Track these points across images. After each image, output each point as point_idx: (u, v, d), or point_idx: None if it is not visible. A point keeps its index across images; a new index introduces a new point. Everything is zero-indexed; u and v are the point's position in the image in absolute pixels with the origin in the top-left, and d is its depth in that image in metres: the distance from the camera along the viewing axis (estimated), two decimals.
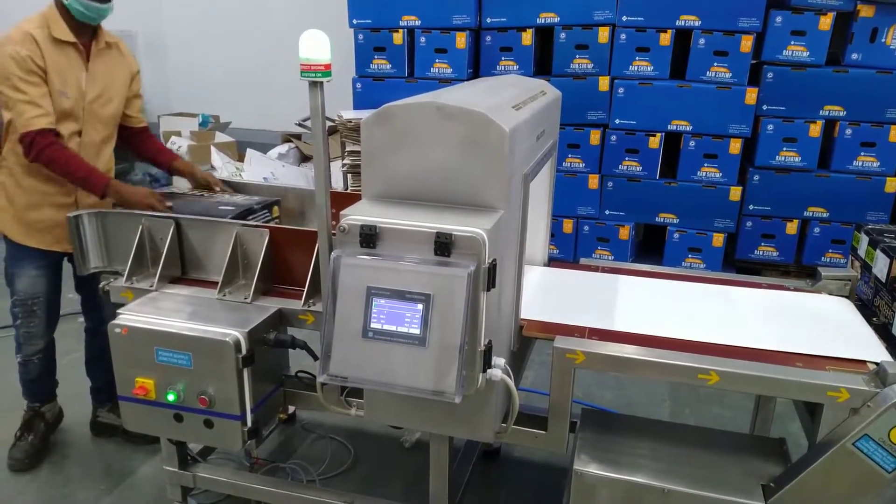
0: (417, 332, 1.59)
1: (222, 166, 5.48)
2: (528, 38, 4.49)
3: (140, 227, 2.34)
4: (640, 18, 4.27)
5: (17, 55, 2.38)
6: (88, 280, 2.77)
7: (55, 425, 2.99)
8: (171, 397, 2.03)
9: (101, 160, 2.69)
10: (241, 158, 5.73)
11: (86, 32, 2.56)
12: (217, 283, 2.24)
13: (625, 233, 4.61)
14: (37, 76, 2.41)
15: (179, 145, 5.98)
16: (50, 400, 2.95)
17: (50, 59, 2.45)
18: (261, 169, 5.32)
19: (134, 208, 2.44)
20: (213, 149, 5.78)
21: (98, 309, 2.85)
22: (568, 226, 4.68)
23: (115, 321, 2.08)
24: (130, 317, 2.09)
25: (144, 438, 2.83)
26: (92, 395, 3.08)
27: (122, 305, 2.83)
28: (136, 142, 2.89)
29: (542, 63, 4.67)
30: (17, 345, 2.77)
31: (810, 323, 2.12)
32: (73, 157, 2.49)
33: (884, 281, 2.92)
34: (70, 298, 2.92)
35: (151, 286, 2.28)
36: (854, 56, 4.13)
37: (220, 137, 6.30)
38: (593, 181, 4.57)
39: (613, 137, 4.48)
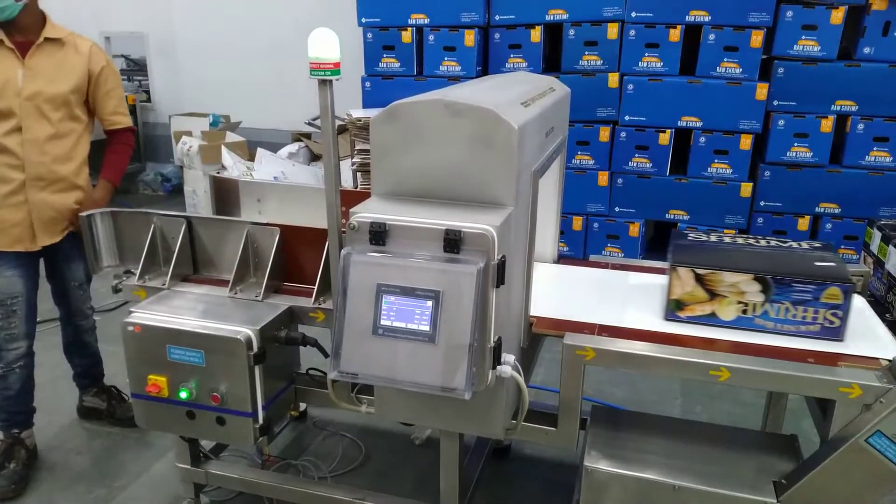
0: (427, 328, 1.60)
1: (233, 165, 5.51)
2: (536, 35, 4.49)
3: (152, 226, 2.36)
4: (649, 14, 4.26)
5: None
6: (58, 270, 2.85)
7: (34, 456, 2.85)
8: (183, 395, 2.05)
9: (51, 156, 2.63)
10: (251, 158, 5.75)
11: (23, 31, 2.56)
12: (228, 281, 2.25)
13: (635, 230, 4.60)
14: None
15: (190, 145, 6.01)
16: (28, 426, 2.85)
17: None
18: (271, 168, 5.35)
19: None
20: (223, 148, 5.80)
21: (67, 297, 2.90)
22: (577, 223, 4.67)
23: (128, 319, 2.09)
24: (143, 315, 2.11)
25: (131, 421, 2.60)
26: (75, 382, 3.14)
27: (84, 289, 2.88)
28: (108, 143, 2.88)
29: (551, 60, 4.67)
30: None
31: None
32: None
33: None
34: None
35: (164, 284, 2.30)
36: (866, 50, 4.10)
37: (231, 137, 6.32)
38: (603, 178, 4.56)
39: (623, 134, 4.47)
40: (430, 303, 1.60)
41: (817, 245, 2.10)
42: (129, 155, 2.93)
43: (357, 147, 4.59)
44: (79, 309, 2.95)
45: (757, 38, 4.14)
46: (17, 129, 2.56)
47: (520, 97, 1.95)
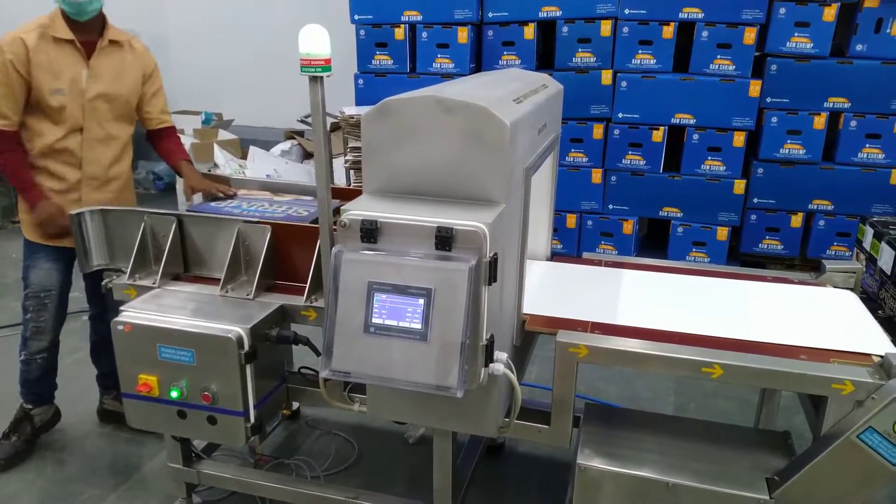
0: (419, 326, 1.59)
1: (225, 164, 5.48)
2: (530, 32, 4.48)
3: (142, 225, 2.34)
4: (642, 11, 4.25)
5: (1, 59, 2.46)
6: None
7: (44, 429, 2.95)
8: (174, 394, 2.04)
9: (107, 157, 2.71)
10: (244, 156, 5.73)
11: (89, 30, 2.59)
12: (219, 279, 2.24)
13: (628, 227, 4.60)
14: (11, 81, 2.48)
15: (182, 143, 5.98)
16: (43, 403, 2.92)
17: (42, 59, 2.50)
18: (264, 166, 5.33)
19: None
20: (216, 146, 5.78)
21: (101, 296, 2.83)
22: (571, 220, 4.67)
23: (118, 318, 2.08)
24: (133, 314, 2.10)
25: None
26: (98, 383, 3.12)
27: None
28: (154, 141, 2.93)
29: (545, 57, 4.66)
30: (22, 341, 2.78)
31: (815, 316, 2.10)
32: (20, 167, 2.57)
33: (889, 273, 2.91)
34: (75, 296, 2.92)
35: (154, 283, 2.28)
36: (859, 47, 4.11)
37: (223, 135, 6.30)
38: (596, 175, 4.56)
39: (616, 131, 4.46)
40: (421, 300, 1.59)
41: None
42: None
43: (350, 145, 4.57)
44: (114, 307, 2.91)
45: (750, 35, 4.14)
46: (78, 129, 2.62)
47: (512, 94, 1.95)
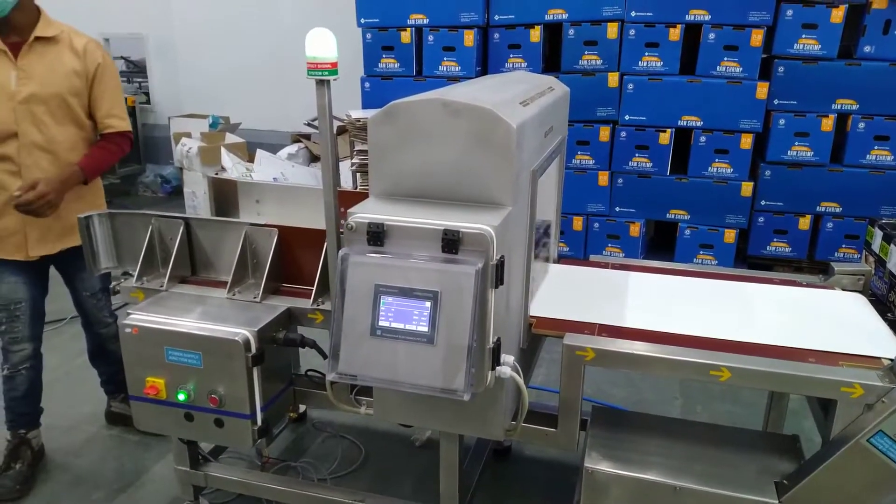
0: (426, 329, 1.59)
1: (232, 167, 5.50)
2: (536, 34, 4.48)
3: (150, 228, 2.35)
4: (649, 14, 4.25)
5: None
6: (70, 280, 2.81)
7: (40, 457, 2.84)
8: (181, 397, 2.04)
9: (49, 164, 2.54)
10: (251, 159, 5.74)
11: (18, 30, 2.47)
12: (227, 282, 2.25)
13: (635, 230, 4.59)
14: None
15: (190, 147, 6.01)
16: (34, 426, 2.82)
17: None
18: (271, 169, 5.34)
19: None
20: (223, 150, 5.80)
21: (81, 306, 2.86)
22: (578, 223, 4.66)
23: (126, 321, 2.09)
24: (141, 317, 2.10)
25: None
26: (102, 388, 3.11)
27: (98, 298, 2.83)
28: None
29: (551, 60, 4.66)
30: (3, 356, 2.67)
31: (823, 318, 2.09)
32: None
33: None
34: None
35: (162, 286, 2.29)
36: (867, 49, 4.09)
37: (231, 138, 6.32)
38: (603, 178, 4.55)
39: (623, 134, 4.46)
40: (428, 303, 1.59)
41: None
42: (116, 156, 2.75)
43: (356, 148, 4.58)
44: (96, 318, 2.88)
45: (757, 37, 4.13)
46: (13, 134, 2.49)
47: (518, 96, 1.95)
